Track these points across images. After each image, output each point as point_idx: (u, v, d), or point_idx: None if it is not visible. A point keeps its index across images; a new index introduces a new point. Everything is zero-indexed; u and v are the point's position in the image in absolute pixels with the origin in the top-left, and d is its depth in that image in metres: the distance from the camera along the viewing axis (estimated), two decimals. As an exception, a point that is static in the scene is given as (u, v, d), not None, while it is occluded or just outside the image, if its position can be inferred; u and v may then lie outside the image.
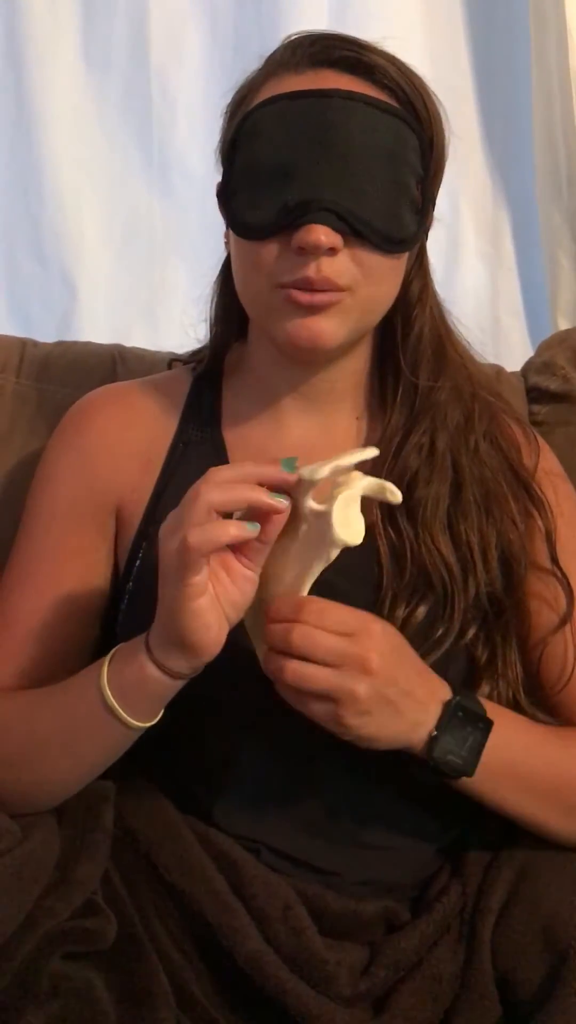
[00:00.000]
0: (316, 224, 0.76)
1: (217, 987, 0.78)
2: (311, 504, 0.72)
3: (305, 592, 0.74)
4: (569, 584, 0.88)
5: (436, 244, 0.91)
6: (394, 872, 0.87)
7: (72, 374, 1.14)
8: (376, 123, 0.77)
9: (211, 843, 0.83)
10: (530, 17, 1.39)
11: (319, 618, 0.72)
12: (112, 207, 1.46)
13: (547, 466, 0.93)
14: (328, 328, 0.79)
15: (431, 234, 0.88)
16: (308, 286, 0.77)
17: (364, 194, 0.77)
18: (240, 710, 0.82)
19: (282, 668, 0.72)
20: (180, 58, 1.44)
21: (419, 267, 0.88)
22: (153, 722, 0.76)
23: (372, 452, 0.74)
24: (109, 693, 0.74)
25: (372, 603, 0.83)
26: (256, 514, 0.70)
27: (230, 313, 0.92)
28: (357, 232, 0.77)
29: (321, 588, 0.74)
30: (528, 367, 1.22)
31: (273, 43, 0.85)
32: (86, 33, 1.43)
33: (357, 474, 0.72)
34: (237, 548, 0.72)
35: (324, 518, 0.71)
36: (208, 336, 0.96)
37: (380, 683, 0.73)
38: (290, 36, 0.84)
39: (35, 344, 1.19)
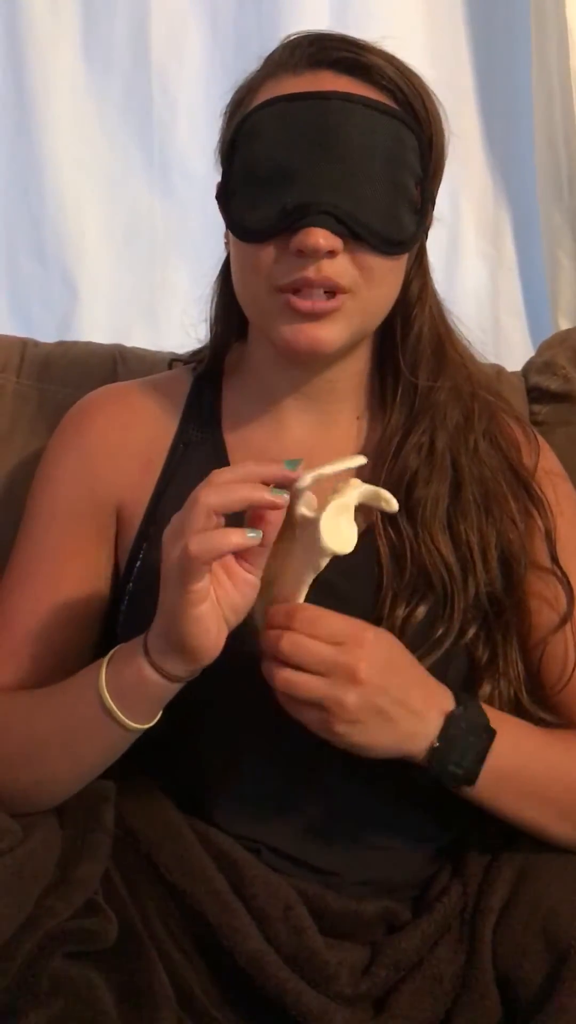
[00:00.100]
0: (315, 227, 0.76)
1: (218, 987, 0.78)
2: (303, 511, 0.72)
3: (300, 598, 0.74)
4: (569, 583, 0.88)
5: (436, 244, 0.91)
6: (395, 872, 0.87)
7: (73, 374, 1.14)
8: (375, 125, 0.77)
9: (212, 843, 0.83)
10: (531, 17, 1.39)
11: (310, 626, 0.72)
12: (113, 207, 1.47)
13: (547, 465, 0.93)
14: (328, 335, 0.80)
15: (432, 234, 0.88)
16: (308, 285, 0.77)
17: (363, 196, 0.77)
18: (240, 710, 0.82)
19: (273, 675, 0.73)
20: (181, 58, 1.44)
21: (419, 267, 0.88)
22: (151, 724, 0.76)
23: (360, 460, 0.73)
24: (107, 695, 0.74)
25: (372, 603, 0.83)
26: (255, 519, 0.70)
27: (230, 313, 0.92)
28: (356, 235, 0.77)
29: (321, 588, 0.74)
30: (529, 367, 1.22)
31: (274, 43, 0.85)
32: (87, 33, 1.43)
33: (355, 481, 0.72)
34: (240, 555, 0.72)
35: (313, 525, 0.71)
36: (208, 336, 0.96)
37: (369, 693, 0.73)
38: (289, 36, 0.84)
39: (36, 344, 1.19)
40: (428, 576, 0.84)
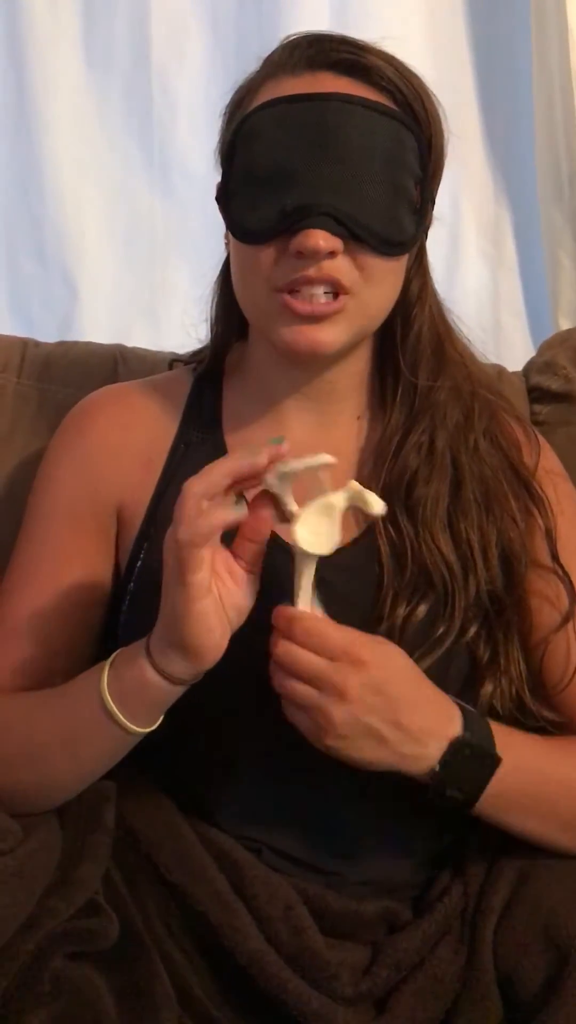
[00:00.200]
0: (315, 229, 0.76)
1: (219, 987, 0.78)
2: (292, 509, 0.72)
3: (303, 599, 0.74)
4: (570, 582, 0.88)
5: (437, 244, 0.91)
6: (395, 872, 0.87)
7: (73, 374, 1.14)
8: (374, 126, 0.77)
9: (212, 843, 0.83)
10: (531, 16, 1.39)
11: (306, 637, 0.72)
12: (113, 207, 1.47)
13: (547, 465, 0.93)
14: (328, 337, 0.80)
15: (432, 234, 0.88)
16: (308, 283, 0.77)
17: (363, 198, 0.77)
18: (242, 711, 0.82)
19: (272, 674, 0.73)
20: (181, 58, 1.44)
21: (419, 267, 0.88)
22: (152, 728, 0.76)
23: (326, 459, 0.70)
24: (109, 698, 0.74)
25: (373, 602, 0.83)
26: (246, 529, 0.70)
27: (231, 313, 0.92)
28: (356, 236, 0.77)
29: (322, 588, 0.74)
30: (529, 367, 1.22)
31: (274, 43, 0.85)
32: (87, 33, 1.43)
33: (352, 483, 0.71)
34: (237, 553, 0.72)
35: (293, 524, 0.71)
36: (209, 336, 0.96)
37: (358, 712, 0.72)
38: (288, 37, 0.84)
39: (36, 344, 1.19)
40: (429, 575, 0.84)
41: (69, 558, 0.89)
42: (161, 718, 0.76)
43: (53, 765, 0.80)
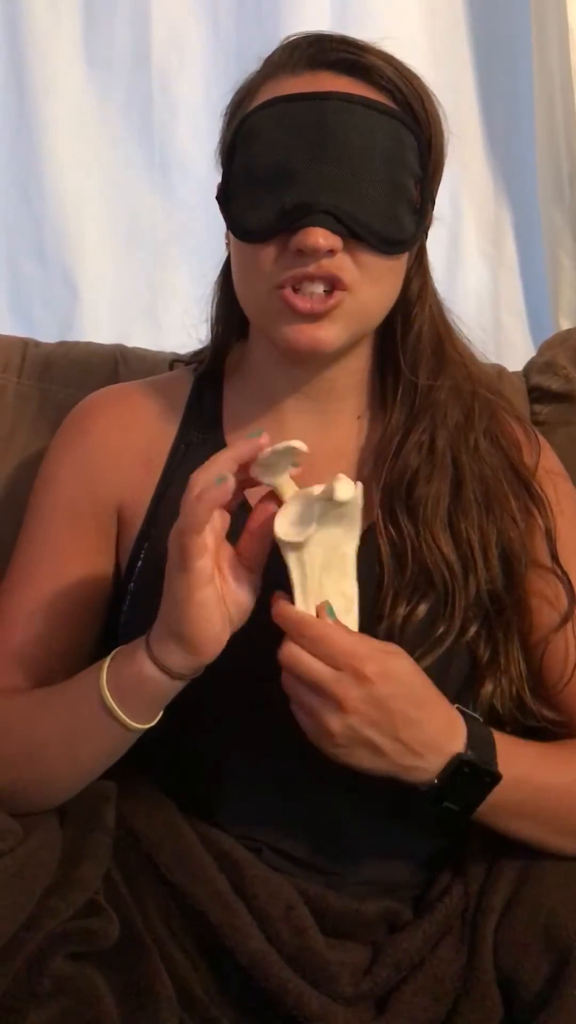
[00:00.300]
0: (314, 227, 0.76)
1: (219, 987, 0.78)
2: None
3: (299, 595, 0.73)
4: (570, 582, 0.88)
5: (437, 244, 0.91)
6: (396, 872, 0.87)
7: (74, 374, 1.15)
8: (374, 125, 0.77)
9: (213, 843, 0.83)
10: (531, 16, 1.39)
11: (312, 644, 0.72)
12: (113, 207, 1.47)
13: (548, 465, 0.93)
14: (328, 335, 0.80)
15: (432, 234, 0.88)
16: (308, 279, 0.77)
17: (362, 196, 0.77)
18: (243, 710, 0.82)
19: (283, 673, 0.73)
20: (181, 58, 1.44)
21: (418, 266, 0.88)
22: (152, 724, 0.76)
23: (297, 443, 0.71)
24: (108, 694, 0.75)
25: (373, 602, 0.83)
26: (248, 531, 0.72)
27: (231, 313, 0.92)
28: (355, 234, 0.77)
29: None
30: (530, 367, 1.22)
31: (274, 43, 0.86)
32: (87, 34, 1.43)
33: (340, 476, 0.71)
34: (241, 550, 0.73)
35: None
36: (209, 336, 0.96)
37: (356, 723, 0.72)
38: (288, 37, 0.84)
39: (37, 344, 1.19)
40: (429, 574, 0.84)
41: (69, 558, 0.89)
42: (160, 714, 0.76)
43: (53, 763, 0.80)
